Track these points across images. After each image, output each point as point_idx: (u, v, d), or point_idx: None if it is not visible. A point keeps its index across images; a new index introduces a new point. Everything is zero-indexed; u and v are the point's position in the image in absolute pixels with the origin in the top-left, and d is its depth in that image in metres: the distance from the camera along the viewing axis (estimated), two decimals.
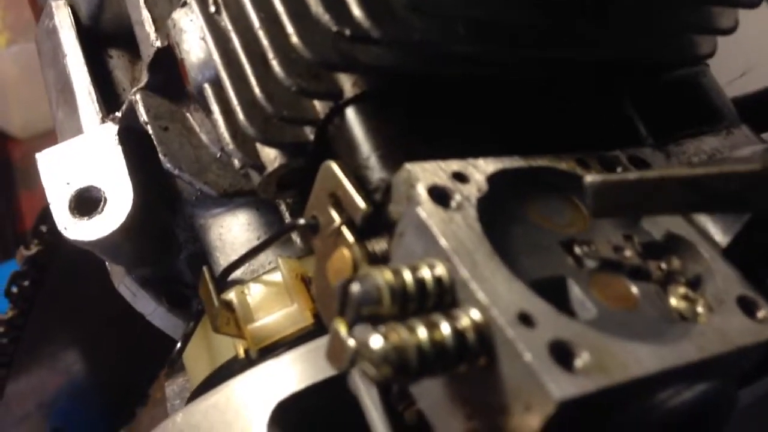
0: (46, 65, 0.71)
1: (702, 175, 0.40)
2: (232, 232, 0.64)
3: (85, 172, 0.61)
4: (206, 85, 0.53)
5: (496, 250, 0.40)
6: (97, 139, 0.62)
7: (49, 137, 0.63)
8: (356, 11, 0.43)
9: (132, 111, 0.61)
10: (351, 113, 0.47)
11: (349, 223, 0.44)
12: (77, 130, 0.65)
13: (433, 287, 0.38)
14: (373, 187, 0.45)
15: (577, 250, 0.44)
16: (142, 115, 0.60)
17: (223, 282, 0.59)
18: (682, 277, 0.44)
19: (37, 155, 0.62)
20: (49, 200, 0.60)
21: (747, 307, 0.42)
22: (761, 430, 0.64)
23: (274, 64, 0.46)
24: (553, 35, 0.49)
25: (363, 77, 0.47)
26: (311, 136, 0.49)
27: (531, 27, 0.47)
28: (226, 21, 0.50)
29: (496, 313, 0.36)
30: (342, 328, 0.38)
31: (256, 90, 0.48)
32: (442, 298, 0.38)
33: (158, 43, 0.59)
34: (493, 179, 0.44)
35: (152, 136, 0.59)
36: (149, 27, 0.59)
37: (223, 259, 0.64)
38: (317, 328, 0.56)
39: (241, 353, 0.57)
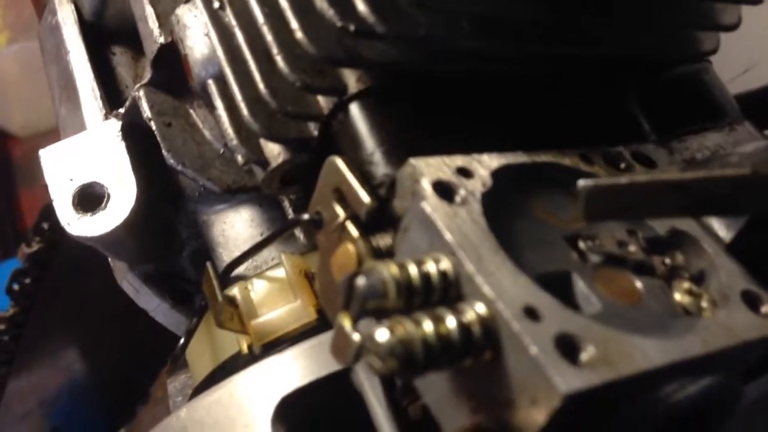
0: (48, 62, 0.71)
1: (692, 180, 0.40)
2: (235, 228, 0.64)
3: (89, 168, 0.61)
4: (210, 81, 0.53)
5: (500, 244, 0.40)
6: (101, 136, 0.62)
7: (49, 136, 0.63)
8: (361, 6, 0.43)
9: (135, 107, 0.61)
10: (355, 109, 0.47)
11: (354, 218, 0.44)
12: (80, 127, 0.65)
13: (439, 281, 0.38)
14: (377, 182, 0.45)
15: (582, 245, 0.44)
16: (146, 111, 0.60)
17: (226, 278, 0.59)
18: (686, 272, 0.45)
19: (41, 152, 0.62)
20: (52, 196, 0.60)
21: (751, 301, 0.42)
22: (765, 427, 0.64)
23: (279, 59, 0.46)
24: (557, 31, 0.49)
25: (367, 73, 0.47)
26: (315, 132, 0.49)
27: (535, 22, 0.47)
28: (230, 17, 0.50)
29: (501, 306, 0.36)
30: (347, 323, 0.38)
31: (260, 85, 0.48)
32: (448, 292, 0.38)
33: (162, 39, 0.59)
34: (497, 174, 0.44)
35: (155, 132, 0.59)
36: (153, 23, 0.59)
37: (226, 256, 0.64)
38: (320, 324, 0.56)
39: (245, 349, 0.57)
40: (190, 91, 0.61)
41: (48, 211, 0.93)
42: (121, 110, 0.63)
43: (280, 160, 0.49)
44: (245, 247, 0.60)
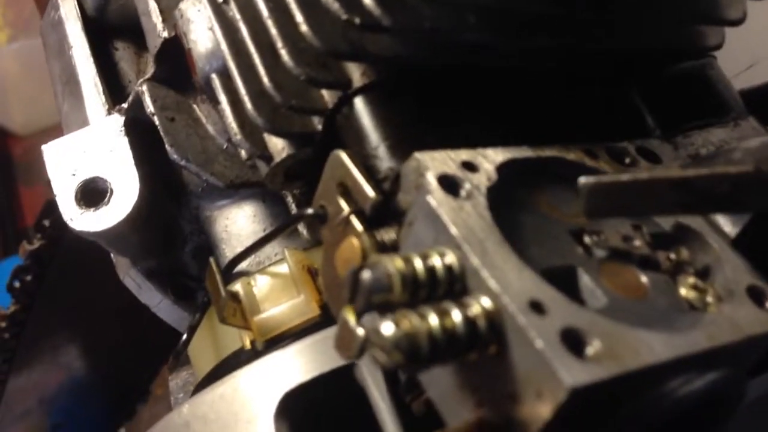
0: (51, 57, 0.71)
1: (693, 177, 0.40)
2: (238, 224, 0.64)
3: (91, 164, 0.60)
4: (214, 76, 0.52)
5: (505, 239, 0.40)
6: (103, 131, 0.62)
7: (50, 134, 0.63)
8: None
9: (138, 102, 0.61)
10: (360, 103, 0.47)
11: (358, 212, 0.44)
12: (83, 122, 0.65)
13: (444, 275, 0.38)
14: (381, 176, 0.45)
15: (587, 239, 0.44)
16: (149, 106, 0.59)
17: (229, 273, 0.59)
18: (691, 267, 0.44)
19: (43, 147, 0.62)
20: (55, 191, 0.60)
21: (756, 296, 0.42)
22: (765, 427, 0.64)
23: (283, 53, 0.46)
24: (562, 25, 0.49)
25: (372, 67, 0.47)
26: (319, 126, 0.49)
27: (540, 16, 0.47)
28: (234, 11, 0.50)
29: (507, 300, 0.36)
30: (351, 317, 0.38)
31: (265, 79, 0.47)
32: (453, 286, 0.38)
33: (165, 34, 0.59)
34: (502, 169, 0.44)
35: (159, 127, 0.59)
36: (156, 17, 0.59)
37: (229, 251, 0.63)
38: (324, 320, 0.56)
39: (247, 344, 0.57)
40: (193, 85, 0.61)
41: (50, 208, 0.93)
42: (124, 105, 0.63)
43: (284, 154, 0.49)
44: (248, 242, 0.60)
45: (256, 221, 0.64)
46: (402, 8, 0.43)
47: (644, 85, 0.55)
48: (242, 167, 0.60)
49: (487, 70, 0.49)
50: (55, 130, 0.65)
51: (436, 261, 0.38)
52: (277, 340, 0.57)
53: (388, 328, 0.34)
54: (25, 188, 2.11)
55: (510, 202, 0.44)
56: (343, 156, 0.45)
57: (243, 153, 0.52)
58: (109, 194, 0.59)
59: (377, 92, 0.47)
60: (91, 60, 0.67)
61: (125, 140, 0.61)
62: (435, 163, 0.42)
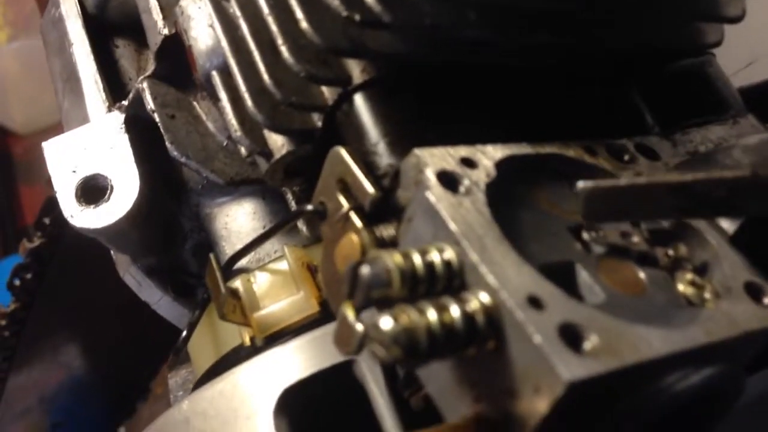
0: (51, 55, 0.71)
1: (691, 181, 0.41)
2: (238, 221, 0.64)
3: (92, 161, 0.61)
4: (214, 73, 0.53)
5: (504, 235, 0.40)
6: (104, 128, 0.62)
7: (50, 133, 0.63)
8: None
9: (139, 99, 0.61)
10: (359, 99, 0.47)
11: (358, 208, 0.44)
12: (83, 119, 0.65)
13: (443, 270, 0.38)
14: (381, 172, 0.45)
15: (585, 235, 0.44)
16: (149, 103, 0.60)
17: (229, 270, 0.59)
18: (689, 263, 0.45)
19: (44, 144, 0.62)
20: (55, 188, 0.60)
21: (754, 293, 0.42)
22: (765, 427, 0.64)
23: (284, 50, 0.46)
24: (561, 22, 0.49)
25: (372, 63, 0.47)
26: (319, 123, 0.49)
27: (540, 13, 0.47)
28: (234, 7, 0.50)
29: (505, 295, 0.36)
30: (350, 312, 0.38)
31: (265, 76, 0.48)
32: (452, 281, 0.38)
33: (166, 31, 0.59)
34: (501, 165, 0.44)
35: (159, 124, 0.59)
36: (157, 15, 0.59)
37: (229, 248, 0.64)
38: (323, 316, 0.56)
39: (247, 341, 0.58)
40: (193, 83, 0.61)
41: (50, 205, 0.93)
42: (125, 102, 0.63)
43: (283, 151, 0.49)
44: (248, 239, 0.60)
45: (255, 218, 0.64)
46: (402, 5, 0.43)
47: (643, 83, 0.56)
48: (242, 164, 0.60)
49: (486, 67, 0.50)
50: (56, 130, 0.65)
51: (434, 256, 0.38)
52: (277, 337, 0.57)
53: (386, 322, 0.35)
54: (26, 187, 2.11)
55: (509, 199, 0.44)
56: (343, 152, 0.45)
57: (243, 150, 0.52)
58: (109, 191, 0.59)
59: (377, 89, 0.47)
60: (91, 57, 0.67)
61: (125, 137, 0.62)
62: (434, 159, 0.42)
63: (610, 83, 0.55)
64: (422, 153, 0.43)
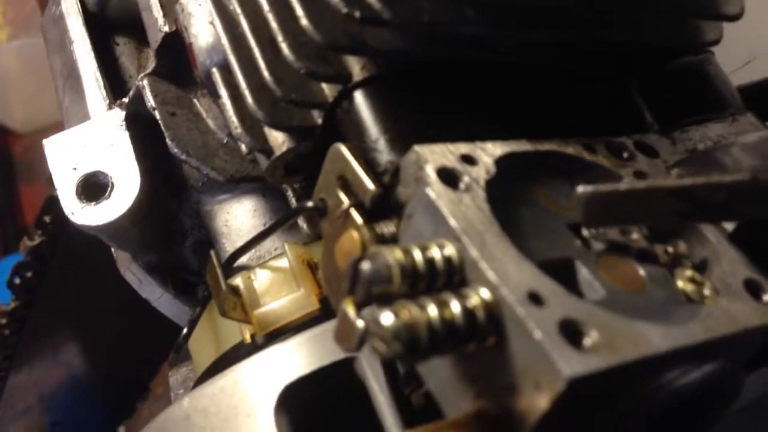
0: (52, 52, 0.71)
1: (690, 186, 0.41)
2: (238, 218, 0.64)
3: (92, 158, 0.61)
4: (214, 70, 0.53)
5: (504, 231, 0.40)
6: (104, 125, 0.62)
7: (50, 132, 0.63)
8: None
9: (139, 96, 0.61)
10: (359, 96, 0.47)
11: (358, 205, 0.44)
12: (84, 117, 0.65)
13: (443, 267, 0.38)
14: (381, 169, 0.45)
15: (585, 232, 0.44)
16: (150, 101, 0.60)
17: (229, 267, 0.59)
18: (688, 260, 0.45)
19: (44, 141, 0.62)
20: (56, 185, 0.60)
21: (753, 289, 0.43)
22: (765, 427, 0.64)
23: (284, 47, 0.47)
24: (560, 19, 0.49)
25: (372, 60, 0.47)
26: (319, 120, 0.49)
27: (538, 10, 0.48)
28: (234, 5, 0.50)
29: (505, 291, 0.36)
30: (351, 308, 0.38)
31: (265, 73, 0.48)
32: (452, 277, 0.38)
33: (166, 29, 0.59)
34: (501, 162, 0.44)
35: (160, 121, 0.59)
36: (157, 12, 0.59)
37: (229, 246, 0.64)
38: (323, 313, 0.57)
39: (248, 338, 0.58)
40: (194, 80, 0.61)
41: (50, 204, 0.93)
42: (125, 100, 0.63)
43: (284, 148, 0.50)
44: (248, 237, 0.60)
45: (256, 216, 0.64)
46: (402, 2, 0.43)
47: (643, 81, 0.56)
48: (242, 162, 0.60)
49: (486, 64, 0.50)
50: (56, 129, 0.65)
51: (435, 253, 0.38)
52: (277, 334, 0.57)
53: (387, 318, 0.35)
54: (26, 186, 2.11)
55: (509, 195, 0.44)
56: (343, 149, 0.45)
57: (243, 147, 0.52)
58: (110, 188, 0.60)
59: (377, 86, 0.47)
60: (92, 55, 0.67)
61: (126, 135, 0.62)
62: (434, 156, 0.43)
63: (609, 81, 0.55)
64: (422, 150, 0.43)
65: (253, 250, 0.61)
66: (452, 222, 0.39)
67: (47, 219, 0.97)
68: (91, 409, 1.36)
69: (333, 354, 0.52)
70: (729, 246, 0.45)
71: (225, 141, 0.61)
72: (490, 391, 0.37)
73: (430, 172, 0.41)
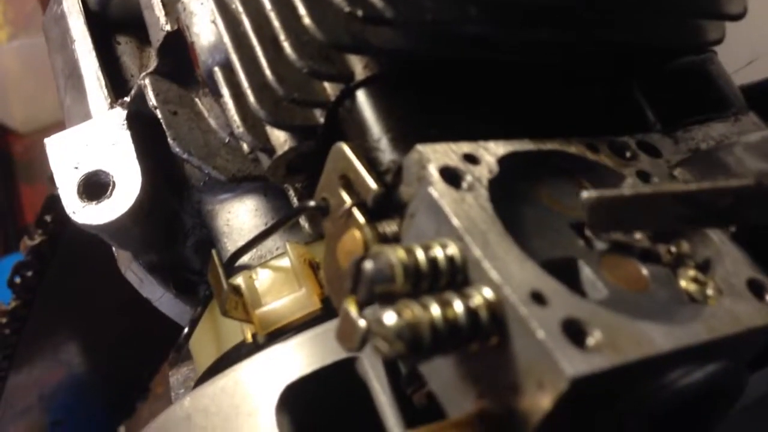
0: (53, 51, 0.71)
1: (696, 191, 0.41)
2: (240, 217, 0.64)
3: (94, 157, 0.61)
4: (216, 69, 0.53)
5: (507, 231, 0.40)
6: (106, 124, 0.62)
7: (50, 131, 0.63)
8: None
9: (141, 96, 0.61)
10: (362, 96, 0.47)
11: (360, 204, 0.44)
12: (85, 116, 0.65)
13: (446, 266, 0.38)
14: (383, 168, 0.45)
15: (588, 232, 0.44)
16: (151, 99, 0.60)
17: (231, 267, 0.59)
18: (691, 260, 0.45)
19: (46, 140, 0.62)
20: (57, 184, 0.60)
21: (756, 289, 0.42)
22: (765, 428, 0.64)
23: (286, 45, 0.46)
24: (563, 19, 0.49)
25: (374, 59, 0.47)
26: (321, 119, 0.49)
27: (541, 9, 0.47)
28: (236, 3, 0.50)
29: (508, 291, 0.36)
30: (353, 308, 0.38)
31: (267, 72, 0.48)
32: (455, 277, 0.38)
33: (168, 27, 0.59)
34: (503, 161, 0.44)
35: (161, 120, 0.59)
36: (159, 11, 0.59)
37: (231, 245, 0.64)
38: (325, 313, 0.56)
39: (249, 338, 0.58)
40: (195, 79, 0.61)
41: (51, 203, 0.93)
42: (127, 99, 0.63)
43: (286, 147, 0.49)
44: (250, 236, 0.60)
45: (257, 215, 0.64)
46: (404, 0, 0.43)
47: (645, 80, 0.56)
48: (244, 161, 0.60)
49: (489, 63, 0.50)
50: (56, 128, 0.65)
51: (437, 252, 0.38)
52: (279, 334, 0.57)
53: (390, 317, 0.35)
54: (26, 186, 2.11)
55: (511, 195, 0.44)
56: (345, 148, 0.45)
57: (245, 146, 0.52)
58: (111, 187, 0.59)
59: (380, 85, 0.47)
60: (93, 54, 0.67)
61: (127, 134, 0.62)
62: (437, 155, 0.42)
63: (611, 80, 0.55)
64: (425, 149, 0.43)
65: (254, 250, 0.61)
66: (455, 221, 0.39)
67: (48, 218, 0.97)
68: (91, 408, 1.36)
69: (335, 354, 0.52)
70: (732, 246, 0.44)
71: (227, 140, 0.61)
72: (493, 391, 0.37)
73: (433, 171, 0.41)
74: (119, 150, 0.61)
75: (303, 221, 0.58)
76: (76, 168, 0.60)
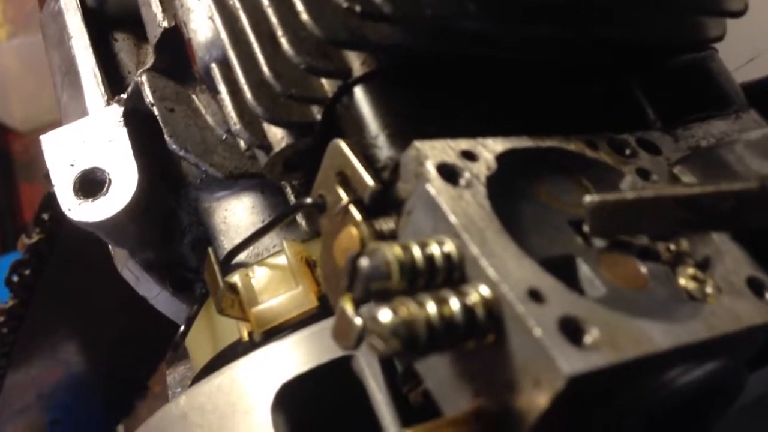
0: (51, 48, 0.71)
1: (698, 194, 0.41)
2: (237, 215, 0.64)
3: (90, 154, 0.60)
4: (213, 65, 0.52)
5: (505, 228, 0.40)
6: (102, 121, 0.62)
7: (49, 130, 0.63)
8: None
9: (138, 92, 0.61)
10: (359, 92, 0.47)
11: (357, 201, 0.44)
12: (82, 113, 0.65)
13: (442, 263, 0.37)
14: (381, 165, 0.45)
15: (586, 229, 0.44)
16: (148, 96, 0.59)
17: (227, 265, 0.59)
18: (690, 258, 0.44)
19: (42, 137, 0.62)
20: (53, 182, 0.60)
21: (756, 288, 0.42)
22: (765, 427, 0.64)
23: (283, 41, 0.46)
24: (562, 15, 0.49)
25: (372, 56, 0.47)
26: (319, 116, 0.49)
27: (540, 5, 0.47)
28: None
29: (505, 288, 0.36)
30: (349, 306, 0.37)
31: (265, 68, 0.47)
32: (451, 274, 0.38)
33: (165, 24, 0.59)
34: (502, 158, 0.44)
35: (158, 117, 0.59)
36: (156, 7, 0.59)
37: (228, 243, 0.63)
38: (322, 311, 0.56)
39: (245, 336, 0.57)
40: (192, 76, 0.61)
41: (49, 201, 0.93)
42: (124, 96, 0.63)
43: (283, 144, 0.49)
44: (247, 234, 0.60)
45: (254, 212, 0.64)
46: None
47: (645, 77, 0.55)
48: (241, 158, 0.60)
49: (487, 60, 0.49)
50: (55, 127, 0.65)
51: (434, 249, 0.38)
52: (275, 332, 0.57)
53: (385, 315, 0.34)
54: (25, 185, 2.11)
55: (509, 192, 0.44)
56: (343, 145, 0.44)
57: (242, 143, 0.52)
58: (107, 184, 0.59)
59: (377, 81, 0.47)
60: (90, 51, 0.67)
61: (124, 131, 0.61)
62: (434, 152, 0.42)
63: (611, 77, 0.55)
64: (422, 145, 0.42)
65: (251, 248, 0.61)
66: (452, 218, 0.39)
67: (45, 216, 0.97)
68: (89, 407, 1.36)
69: (331, 352, 0.51)
70: (732, 244, 0.44)
71: (224, 137, 0.61)
72: (489, 389, 0.37)
73: (431, 168, 0.41)
74: (116, 147, 0.61)
75: (300, 219, 0.57)
76: (72, 165, 0.60)
